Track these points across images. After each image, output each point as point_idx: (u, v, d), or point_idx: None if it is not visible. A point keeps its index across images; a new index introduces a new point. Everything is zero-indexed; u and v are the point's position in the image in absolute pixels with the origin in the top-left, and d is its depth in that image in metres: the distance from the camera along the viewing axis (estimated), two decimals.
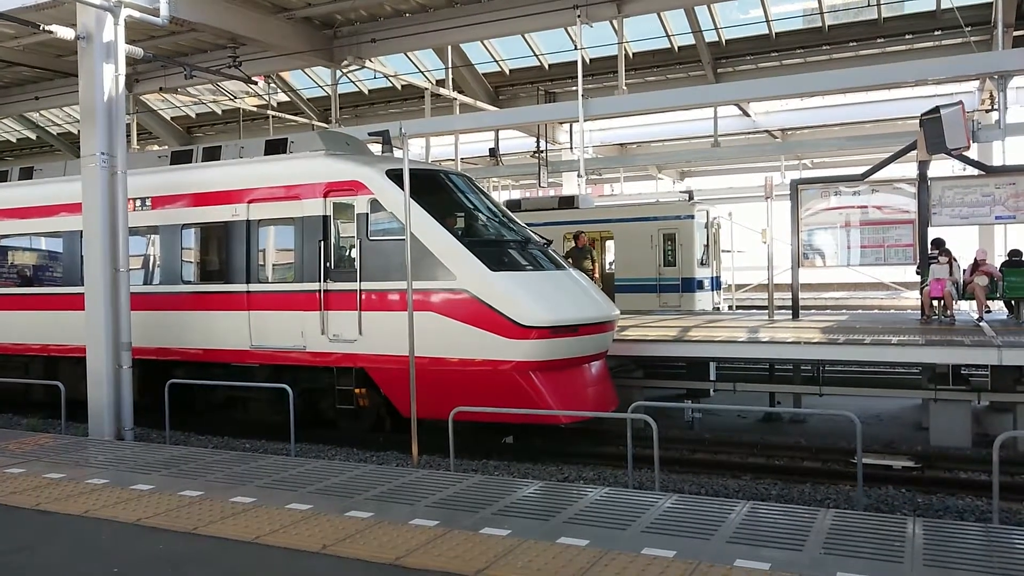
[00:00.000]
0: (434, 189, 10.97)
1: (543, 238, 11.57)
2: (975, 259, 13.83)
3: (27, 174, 14.25)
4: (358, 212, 10.44)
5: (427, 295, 9.73)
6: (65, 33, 10.47)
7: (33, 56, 20.08)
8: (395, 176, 10.01)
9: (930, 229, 13.91)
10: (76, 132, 27.34)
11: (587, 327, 10.11)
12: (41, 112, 27.73)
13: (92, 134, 10.22)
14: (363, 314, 10.27)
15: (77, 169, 11.00)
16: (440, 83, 21.28)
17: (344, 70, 20.70)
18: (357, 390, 10.61)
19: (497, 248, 10.43)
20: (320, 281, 10.59)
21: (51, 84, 23.15)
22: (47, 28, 10.62)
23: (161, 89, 22.44)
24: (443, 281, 9.77)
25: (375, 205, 10.34)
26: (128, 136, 17.47)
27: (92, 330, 10.26)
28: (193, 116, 28.37)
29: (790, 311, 15.28)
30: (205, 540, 5.46)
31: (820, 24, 18.97)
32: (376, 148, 13.10)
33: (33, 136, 30.76)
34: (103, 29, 10.21)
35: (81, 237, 10.93)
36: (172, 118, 28.30)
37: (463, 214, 10.95)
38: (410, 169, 8.65)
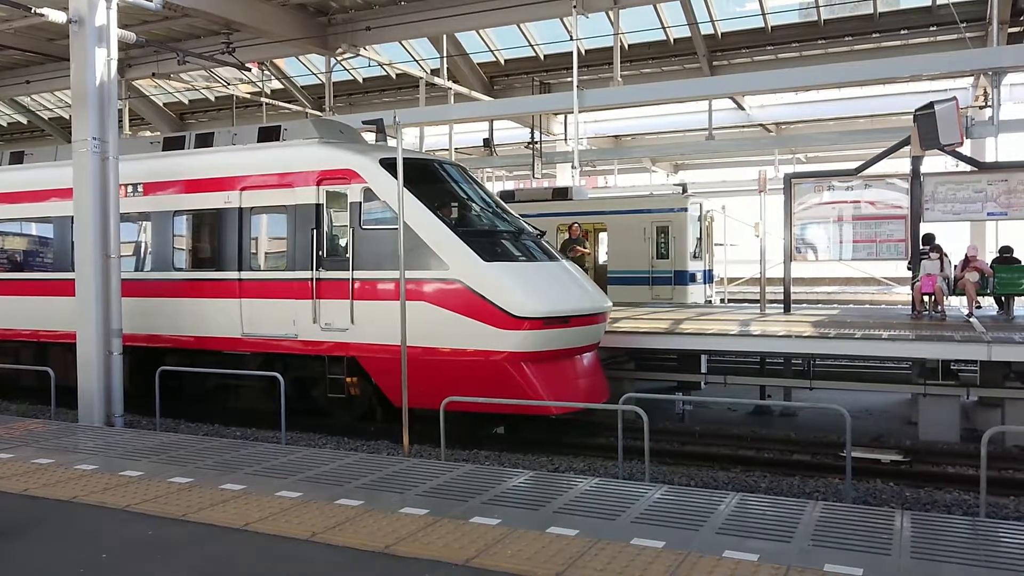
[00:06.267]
0: (428, 179, 10.95)
1: (537, 229, 11.56)
2: (966, 255, 13.89)
3: (18, 159, 14.16)
4: (351, 201, 10.41)
5: (420, 285, 9.71)
6: (57, 16, 10.38)
7: (24, 39, 19.87)
8: (389, 165, 9.98)
9: (922, 224, 13.96)
10: (68, 117, 27.14)
11: (579, 318, 10.12)
12: (32, 96, 27.51)
13: (84, 119, 10.15)
14: (355, 303, 10.25)
15: (68, 154, 10.92)
16: (435, 72, 21.16)
17: (338, 58, 20.58)
18: (348, 379, 10.60)
19: (490, 238, 10.41)
20: (312, 269, 10.56)
21: (42, 68, 22.93)
22: (38, 11, 10.54)
23: (154, 75, 22.25)
24: (436, 271, 9.76)
25: (368, 194, 10.32)
26: (120, 122, 17.31)
27: (83, 316, 10.22)
28: (186, 102, 28.15)
29: (782, 305, 15.32)
30: (194, 526, 5.46)
31: (816, 18, 18.95)
32: (370, 137, 13.05)
33: (24, 120, 30.49)
34: (95, 13, 10.13)
35: (72, 223, 10.86)
36: (164, 104, 28.08)
37: (457, 204, 10.94)
38: (404, 158, 8.62)
